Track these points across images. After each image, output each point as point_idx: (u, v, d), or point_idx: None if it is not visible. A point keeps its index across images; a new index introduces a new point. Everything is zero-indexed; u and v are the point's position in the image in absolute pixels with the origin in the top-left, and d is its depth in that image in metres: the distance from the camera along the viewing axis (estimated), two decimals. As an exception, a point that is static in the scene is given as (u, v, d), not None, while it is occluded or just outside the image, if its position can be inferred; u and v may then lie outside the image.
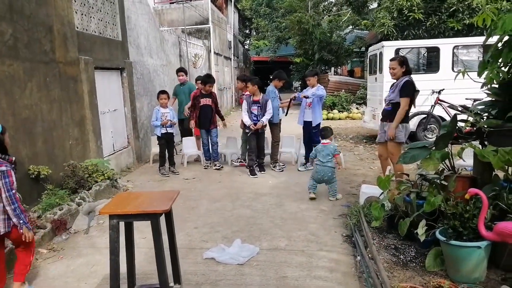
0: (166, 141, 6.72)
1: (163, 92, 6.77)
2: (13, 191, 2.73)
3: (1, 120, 4.13)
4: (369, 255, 3.32)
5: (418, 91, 4.87)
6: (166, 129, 6.63)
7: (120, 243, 2.15)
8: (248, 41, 35.21)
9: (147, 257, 3.52)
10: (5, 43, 4.25)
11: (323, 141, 5.32)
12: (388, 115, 4.92)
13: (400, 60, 4.80)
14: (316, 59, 18.16)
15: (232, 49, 19.70)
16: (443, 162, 3.54)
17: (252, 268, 3.33)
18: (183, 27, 12.14)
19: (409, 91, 4.66)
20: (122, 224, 2.23)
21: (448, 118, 7.71)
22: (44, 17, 4.90)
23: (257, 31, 33.21)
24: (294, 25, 17.79)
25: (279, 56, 26.15)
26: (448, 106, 7.80)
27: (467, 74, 3.44)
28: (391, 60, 4.94)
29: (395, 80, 4.87)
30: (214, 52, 14.96)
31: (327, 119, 14.08)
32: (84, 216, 4.47)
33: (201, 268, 3.37)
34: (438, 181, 3.48)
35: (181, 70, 7.87)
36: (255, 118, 6.50)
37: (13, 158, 2.94)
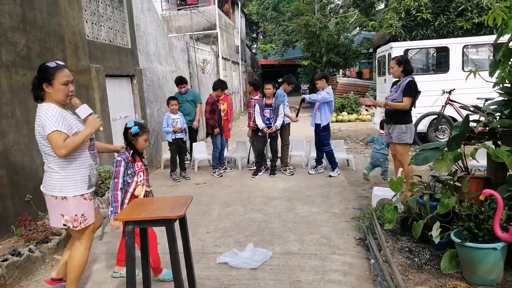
0: (177, 147, 6.77)
1: (173, 98, 6.82)
2: (116, 180, 2.95)
3: (16, 129, 4.22)
4: (383, 258, 3.30)
5: (420, 92, 4.95)
6: (175, 135, 6.69)
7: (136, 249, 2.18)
8: (255, 45, 35.35)
9: (163, 262, 3.54)
10: (19, 53, 4.34)
11: (380, 131, 6.16)
12: (390, 116, 4.98)
13: (398, 60, 4.91)
14: (324, 62, 18.14)
15: (239, 53, 19.79)
16: (456, 163, 3.51)
17: (266, 273, 3.33)
18: (191, 33, 12.24)
19: (412, 91, 4.76)
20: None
21: (459, 119, 7.64)
22: (56, 27, 4.99)
23: (264, 35, 33.35)
24: (301, 28, 17.83)
25: (287, 60, 26.18)
26: (459, 107, 7.72)
27: (479, 74, 3.41)
28: (392, 59, 5.31)
29: (396, 79, 5.03)
30: (222, 57, 15.05)
31: (336, 121, 14.04)
32: (98, 222, 4.51)
33: (214, 272, 3.39)
34: (452, 182, 3.44)
35: (183, 82, 7.44)
36: (267, 122, 6.55)
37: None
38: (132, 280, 2.08)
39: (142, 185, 3.08)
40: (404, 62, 4.88)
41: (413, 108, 4.90)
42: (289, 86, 6.94)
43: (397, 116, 4.85)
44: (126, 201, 2.96)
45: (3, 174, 4.01)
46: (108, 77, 6.23)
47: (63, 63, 2.80)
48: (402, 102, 4.76)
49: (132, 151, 3.11)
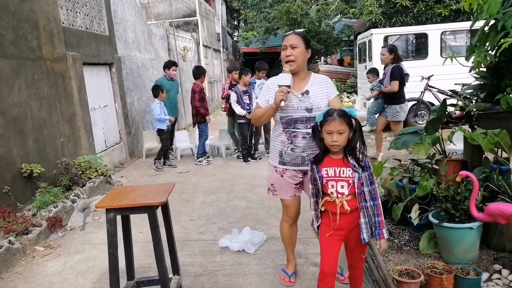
0: (169, 135, 6.79)
1: (160, 86, 6.74)
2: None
3: (-10, 119, 4.08)
4: (364, 240, 3.37)
5: (408, 74, 5.91)
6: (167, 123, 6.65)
7: (118, 238, 2.16)
8: (237, 33, 34.98)
9: (144, 250, 3.53)
10: (-9, 40, 4.19)
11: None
12: (386, 98, 5.99)
13: (390, 48, 5.82)
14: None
15: (221, 41, 19.56)
16: (434, 147, 3.59)
17: (250, 257, 3.37)
18: (171, 20, 12.01)
19: (397, 75, 5.67)
20: (119, 219, 2.24)
21: (437, 104, 7.79)
22: (29, 13, 4.82)
23: (245, 23, 32.99)
24: (282, 15, 17.68)
25: (269, 47, 26.02)
26: (437, 91, 7.88)
27: (456, 59, 3.48)
28: (382, 47, 6.06)
29: (382, 69, 5.55)
30: (203, 45, 14.86)
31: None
32: (79, 213, 4.45)
33: (198, 259, 3.40)
34: (430, 165, 3.53)
35: (173, 64, 7.30)
36: (248, 108, 6.59)
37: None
38: (115, 267, 2.07)
39: None
40: (395, 51, 5.78)
41: (405, 89, 5.83)
42: (260, 72, 6.95)
43: (391, 98, 5.79)
44: None
45: (-22, 166, 3.89)
46: (85, 65, 6.08)
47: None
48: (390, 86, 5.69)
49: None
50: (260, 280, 3.00)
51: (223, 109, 7.08)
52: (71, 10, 5.86)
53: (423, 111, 8.35)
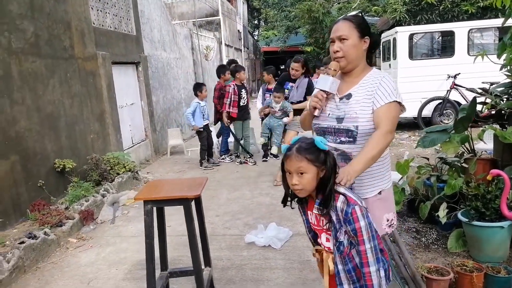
0: (207, 134, 6.76)
1: (204, 84, 6.82)
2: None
3: (26, 116, 4.27)
4: (391, 238, 3.37)
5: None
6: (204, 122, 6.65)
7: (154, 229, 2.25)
8: (257, 32, 35.06)
9: (172, 244, 3.63)
10: (28, 40, 4.37)
11: None
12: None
13: (303, 63, 5.52)
14: (327, 48, 18.00)
15: (242, 40, 19.68)
16: (463, 145, 3.56)
17: (276, 253, 3.42)
18: (194, 20, 12.18)
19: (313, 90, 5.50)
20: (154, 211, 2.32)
21: (464, 103, 7.64)
22: (63, 14, 5.01)
23: (265, 22, 33.01)
24: (304, 13, 17.64)
25: (289, 46, 25.99)
26: (467, 89, 7.70)
27: (487, 56, 3.43)
28: (294, 61, 5.51)
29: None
30: (225, 44, 14.99)
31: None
32: (109, 207, 4.61)
33: (225, 253, 3.47)
34: (459, 164, 3.50)
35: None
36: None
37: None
38: (151, 256, 2.16)
39: None
40: (307, 65, 5.61)
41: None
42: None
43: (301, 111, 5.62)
44: None
45: (16, 160, 4.08)
46: (114, 64, 6.25)
47: None
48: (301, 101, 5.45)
49: None
50: (287, 275, 3.05)
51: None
52: (101, 11, 6.04)
53: (448, 110, 8.20)
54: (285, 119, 5.48)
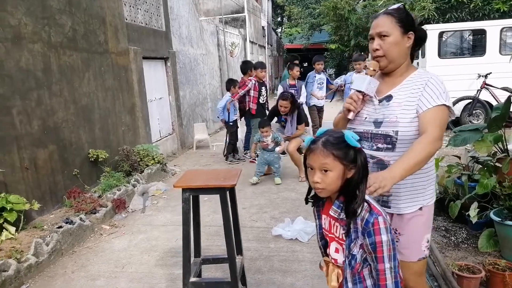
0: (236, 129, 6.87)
1: (237, 80, 6.92)
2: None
3: (64, 108, 4.45)
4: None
5: None
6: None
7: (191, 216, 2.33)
8: (281, 29, 35.00)
9: (203, 233, 3.72)
10: (66, 34, 4.55)
11: None
12: None
13: (291, 99, 5.32)
14: (352, 45, 17.83)
15: (266, 37, 19.72)
16: (496, 145, 3.51)
17: (303, 246, 3.47)
18: (220, 16, 12.29)
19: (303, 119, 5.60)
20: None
21: (495, 103, 7.47)
22: (98, 9, 5.17)
23: (289, 19, 32.90)
24: (329, 11, 17.52)
25: (313, 44, 25.84)
26: (501, 88, 7.52)
27: (524, 55, 3.37)
28: (282, 99, 5.35)
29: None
30: (250, 41, 15.06)
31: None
32: (139, 196, 4.75)
33: (253, 245, 3.55)
34: (491, 163, 3.45)
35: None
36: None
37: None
38: (187, 242, 2.24)
39: None
40: (295, 100, 5.46)
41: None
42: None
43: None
44: None
45: (54, 149, 4.26)
46: (144, 59, 6.41)
47: None
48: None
49: None
50: (314, 267, 3.10)
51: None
52: (133, 7, 6.20)
53: (478, 110, 8.02)
54: (277, 148, 5.40)
